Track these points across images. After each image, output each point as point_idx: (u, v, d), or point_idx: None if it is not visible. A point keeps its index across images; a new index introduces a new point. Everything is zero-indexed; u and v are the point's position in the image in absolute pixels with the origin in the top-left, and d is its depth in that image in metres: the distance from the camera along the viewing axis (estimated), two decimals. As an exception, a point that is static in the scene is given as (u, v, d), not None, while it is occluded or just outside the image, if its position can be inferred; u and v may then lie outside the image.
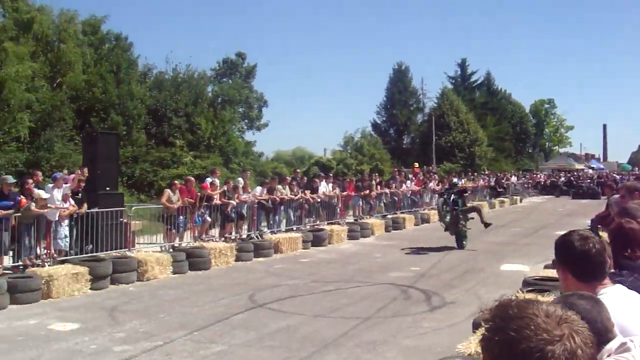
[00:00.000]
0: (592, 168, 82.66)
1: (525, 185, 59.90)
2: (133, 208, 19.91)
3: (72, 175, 17.97)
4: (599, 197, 50.10)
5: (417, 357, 9.86)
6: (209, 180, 21.41)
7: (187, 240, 19.99)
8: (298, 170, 30.47)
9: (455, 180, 25.85)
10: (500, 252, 21.75)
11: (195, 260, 18.01)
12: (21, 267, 14.97)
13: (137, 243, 19.34)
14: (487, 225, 23.01)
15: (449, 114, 67.94)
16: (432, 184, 37.05)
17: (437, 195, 26.61)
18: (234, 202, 21.21)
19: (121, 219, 17.88)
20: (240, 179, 23.22)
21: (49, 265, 14.96)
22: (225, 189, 21.63)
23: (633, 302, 3.22)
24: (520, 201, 50.49)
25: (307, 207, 25.39)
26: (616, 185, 23.51)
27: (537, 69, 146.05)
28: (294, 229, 23.85)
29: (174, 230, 19.43)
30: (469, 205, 24.74)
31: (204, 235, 20.41)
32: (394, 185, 32.94)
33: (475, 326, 8.48)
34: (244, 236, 21.87)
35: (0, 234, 14.65)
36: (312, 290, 15.09)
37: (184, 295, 14.50)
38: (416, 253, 21.01)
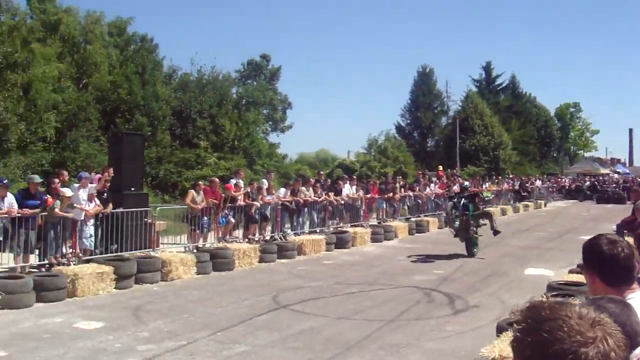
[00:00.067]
0: (618, 172, 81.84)
1: (550, 190, 59.44)
2: (158, 208, 19.99)
3: (98, 176, 18.07)
4: (624, 202, 49.67)
5: (441, 360, 9.85)
6: (233, 181, 21.46)
7: (210, 241, 20.04)
8: (322, 172, 30.49)
9: (466, 183, 24.57)
10: (524, 256, 21.64)
11: (219, 261, 18.06)
12: (47, 265, 15.11)
13: (161, 243, 19.41)
14: (496, 232, 22.12)
15: (473, 117, 67.68)
16: (456, 187, 36.88)
17: (446, 199, 25.43)
18: (257, 204, 21.24)
19: (146, 219, 17.97)
20: (265, 181, 23.26)
21: (74, 264, 15.06)
22: (249, 190, 21.67)
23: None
24: (545, 205, 50.13)
25: (331, 209, 25.38)
26: (642, 190, 23.23)
27: (562, 73, 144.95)
28: (318, 231, 23.85)
29: (197, 231, 19.48)
30: (480, 210, 23.44)
31: (227, 236, 20.45)
32: (417, 188, 32.87)
33: (500, 330, 8.45)
34: (268, 237, 21.90)
35: (27, 233, 14.80)
36: (335, 292, 15.09)
37: (208, 296, 14.53)
38: (440, 256, 20.89)
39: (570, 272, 14.51)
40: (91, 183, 16.84)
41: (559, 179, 67.95)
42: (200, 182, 21.28)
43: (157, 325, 11.53)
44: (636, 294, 3.24)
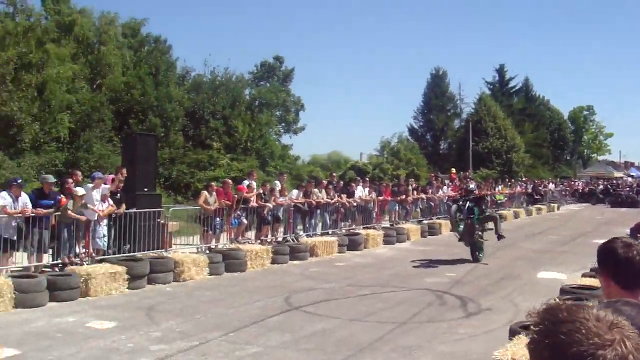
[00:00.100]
0: (632, 176, 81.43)
1: (563, 193, 59.27)
2: (171, 209, 20.05)
3: (112, 176, 18.13)
4: (638, 205, 49.63)
5: (453, 363, 9.84)
6: (246, 182, 21.47)
7: (223, 242, 20.06)
8: (334, 175, 30.52)
9: (472, 186, 23.38)
10: (537, 259, 21.57)
11: (231, 262, 18.08)
12: (60, 265, 15.17)
13: (174, 244, 19.47)
14: (500, 237, 21.47)
15: (486, 120, 67.49)
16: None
17: (450, 203, 24.44)
18: (270, 205, 21.27)
19: (159, 220, 18.02)
20: (278, 182, 23.31)
21: (87, 264, 15.11)
22: (262, 191, 21.70)
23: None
24: (558, 209, 49.96)
25: (344, 211, 25.39)
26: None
27: (576, 76, 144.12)
28: (330, 233, 23.86)
29: (210, 232, 19.53)
30: (486, 214, 22.40)
31: (240, 238, 20.48)
32: (430, 190, 32.81)
33: (513, 333, 8.43)
34: (280, 239, 21.92)
35: (40, 233, 14.88)
36: (347, 295, 15.10)
37: (220, 297, 14.56)
38: (452, 259, 20.80)
39: (584, 276, 14.48)
40: (105, 184, 16.90)
41: (573, 183, 67.71)
42: (213, 184, 21.31)
43: (169, 325, 11.56)
44: (652, 298, 3.22)
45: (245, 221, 20.75)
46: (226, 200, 19.87)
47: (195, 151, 41.92)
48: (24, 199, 15.03)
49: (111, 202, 16.61)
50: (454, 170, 42.87)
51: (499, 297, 14.87)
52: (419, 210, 31.37)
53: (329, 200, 24.17)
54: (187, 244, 20.19)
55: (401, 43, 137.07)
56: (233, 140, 44.40)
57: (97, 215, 16.00)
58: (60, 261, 15.24)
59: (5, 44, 33.50)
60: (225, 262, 17.95)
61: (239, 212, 20.36)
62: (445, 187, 35.18)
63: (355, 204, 26.03)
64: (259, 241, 20.74)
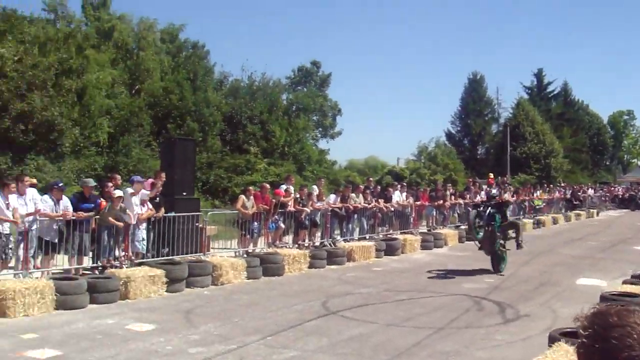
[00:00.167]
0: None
1: (603, 199, 58.57)
2: (209, 213, 20.17)
3: (150, 180, 18.28)
4: (679, 211, 48.87)
5: (491, 369, 9.77)
6: (283, 187, 21.53)
7: (260, 246, 20.12)
8: (371, 179, 30.46)
9: (493, 191, 21.85)
10: (576, 265, 21.34)
11: (269, 266, 18.13)
12: (100, 268, 15.33)
13: (212, 248, 19.60)
14: (519, 246, 20.24)
15: (524, 125, 66.97)
16: (506, 195, 36.51)
17: (470, 207, 23.16)
18: (307, 210, 21.30)
19: (197, 224, 18.13)
20: (315, 187, 23.34)
21: (126, 267, 15.25)
22: (299, 196, 21.74)
23: None
24: (597, 214, 49.38)
25: (381, 216, 25.34)
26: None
27: (616, 80, 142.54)
28: (367, 237, 23.80)
29: (248, 236, 19.60)
30: (508, 221, 21.04)
31: (277, 242, 20.52)
32: (468, 195, 32.65)
33: (552, 340, 8.34)
34: (317, 244, 21.95)
35: (81, 236, 15.08)
36: (384, 299, 15.06)
37: (258, 300, 14.60)
38: (490, 264, 20.60)
39: (624, 282, 14.32)
40: (144, 187, 17.04)
41: (612, 188, 66.91)
42: (250, 188, 21.38)
43: (207, 328, 11.62)
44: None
45: (282, 225, 20.81)
46: (264, 204, 19.93)
47: (233, 155, 42.12)
48: (65, 202, 15.26)
49: (150, 205, 16.75)
50: (491, 175, 42.46)
51: (537, 303, 14.72)
52: (456, 215, 31.24)
53: (366, 205, 24.14)
54: (225, 248, 20.29)
55: (438, 47, 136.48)
56: (270, 145, 44.55)
57: (136, 218, 16.15)
58: (99, 264, 15.41)
59: (46, 50, 33.97)
60: (263, 266, 18.00)
61: (276, 216, 20.41)
62: (482, 193, 34.93)
63: (392, 209, 25.98)
64: (296, 245, 20.78)
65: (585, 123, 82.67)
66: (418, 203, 28.16)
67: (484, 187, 35.98)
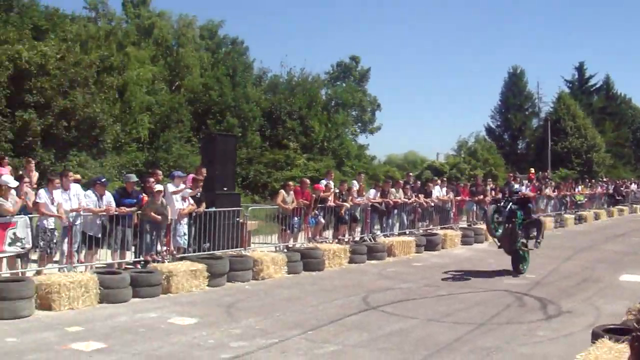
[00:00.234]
0: None
1: (646, 194, 57.71)
2: (249, 208, 20.24)
3: (192, 175, 18.40)
4: None
5: (533, 365, 9.70)
6: (323, 182, 21.55)
7: (301, 241, 20.15)
8: (411, 174, 30.36)
9: (516, 186, 20.36)
10: (619, 261, 21.08)
11: (309, 261, 18.18)
12: (142, 262, 15.49)
13: (253, 243, 19.65)
14: (536, 245, 18.72)
15: (565, 119, 66.35)
16: (547, 190, 36.24)
17: (489, 204, 21.45)
18: (347, 205, 21.29)
19: (238, 219, 18.21)
20: (355, 182, 23.31)
21: (168, 262, 15.38)
22: (339, 191, 21.73)
23: None
24: (641, 210, 48.77)
25: (421, 211, 25.23)
26: None
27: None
28: (407, 232, 23.74)
29: (288, 231, 19.65)
30: (532, 218, 19.53)
31: (317, 237, 20.54)
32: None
33: (595, 336, 8.24)
34: (357, 239, 21.93)
35: (123, 231, 15.26)
36: (425, 295, 15.02)
37: (298, 295, 14.64)
38: (531, 260, 20.27)
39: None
40: (184, 183, 17.18)
41: (656, 183, 65.92)
42: (290, 183, 21.40)
43: (249, 322, 11.68)
44: None
45: (322, 220, 20.82)
46: (304, 200, 19.96)
47: (272, 151, 42.31)
48: (108, 197, 15.46)
49: (191, 200, 16.87)
50: (532, 170, 42.26)
51: (579, 300, 14.57)
52: (496, 210, 30.97)
53: (406, 200, 24.05)
54: (265, 243, 20.36)
55: (478, 41, 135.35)
56: (309, 140, 44.67)
57: (177, 213, 16.28)
58: (142, 258, 15.56)
59: (87, 48, 34.46)
60: (303, 261, 18.06)
61: (316, 211, 20.43)
62: (523, 188, 34.63)
63: (432, 204, 25.87)
64: (336, 240, 20.79)
65: (628, 117, 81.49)
66: (458, 198, 28.01)
67: (525, 182, 35.71)
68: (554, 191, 36.69)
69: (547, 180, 40.70)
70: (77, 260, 14.65)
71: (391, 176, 39.57)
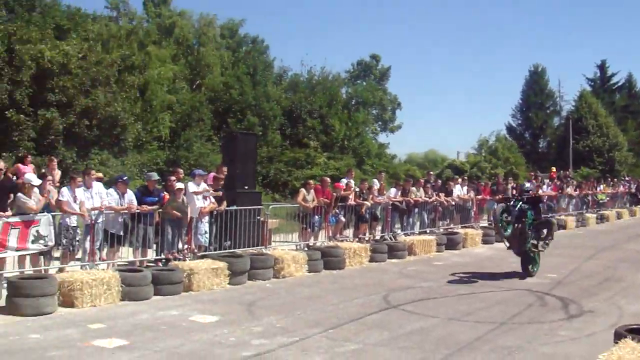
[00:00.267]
0: None
1: (669, 193, 57.18)
2: (270, 207, 20.27)
3: (212, 174, 18.46)
4: None
5: (555, 365, 9.66)
6: (344, 181, 21.54)
7: (321, 239, 20.15)
8: (431, 173, 30.30)
9: (527, 185, 19.78)
10: (642, 261, 20.92)
11: (329, 260, 18.18)
12: (164, 260, 15.56)
13: (273, 241, 19.69)
14: (545, 246, 18.10)
15: (587, 118, 65.87)
16: (569, 189, 36.03)
17: (497, 203, 20.07)
18: (368, 203, 21.27)
19: (258, 217, 18.24)
20: (376, 180, 23.32)
21: (189, 260, 15.44)
22: (360, 189, 21.72)
23: None
24: (663, 209, 48.34)
25: (441, 210, 25.17)
26: None
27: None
28: (428, 231, 23.69)
29: (309, 230, 19.66)
30: (542, 218, 19.13)
31: (338, 235, 20.55)
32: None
33: (618, 336, 8.19)
34: (378, 237, 21.91)
35: (145, 228, 15.34)
36: (445, 294, 14.99)
37: (319, 294, 14.65)
38: (552, 259, 20.22)
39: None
40: (205, 181, 17.25)
41: (679, 182, 65.35)
42: (311, 181, 21.44)
43: (270, 320, 11.70)
44: None
45: (343, 219, 20.82)
46: (324, 198, 19.97)
47: (293, 149, 42.36)
48: (130, 195, 15.54)
49: (212, 199, 16.92)
50: (553, 169, 42.03)
51: (601, 299, 14.47)
52: (518, 209, 30.83)
53: (427, 199, 24.00)
54: (286, 241, 20.38)
55: (499, 39, 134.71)
56: (330, 139, 44.67)
57: (198, 212, 16.34)
58: (163, 256, 15.63)
59: (109, 47, 34.67)
60: (324, 260, 18.07)
61: (336, 210, 20.44)
62: (545, 186, 34.49)
63: (453, 203, 25.80)
64: (357, 239, 20.78)
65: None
66: (479, 197, 27.90)
67: (546, 181, 35.56)
68: (575, 190, 36.47)
69: (568, 179, 40.41)
70: (99, 258, 14.78)
71: (412, 175, 39.53)
